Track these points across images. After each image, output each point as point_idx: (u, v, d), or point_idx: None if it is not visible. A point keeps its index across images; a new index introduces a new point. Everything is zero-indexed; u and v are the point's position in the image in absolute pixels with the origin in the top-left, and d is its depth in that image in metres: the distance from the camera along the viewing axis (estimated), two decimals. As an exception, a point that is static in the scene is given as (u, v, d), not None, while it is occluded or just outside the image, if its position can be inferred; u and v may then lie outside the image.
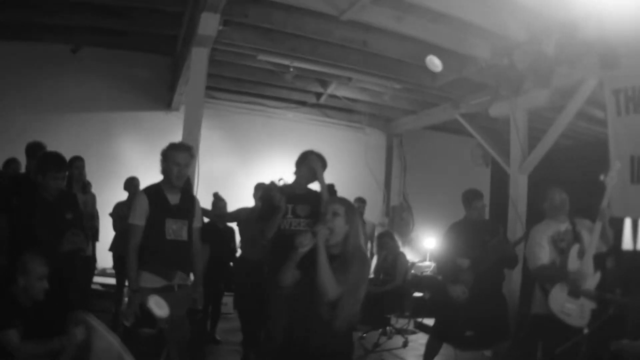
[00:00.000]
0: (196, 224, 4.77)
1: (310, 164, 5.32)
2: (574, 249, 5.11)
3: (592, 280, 5.06)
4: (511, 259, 6.10)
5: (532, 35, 6.48)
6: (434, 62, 6.90)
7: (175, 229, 4.53)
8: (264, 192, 5.73)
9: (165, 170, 4.58)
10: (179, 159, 4.53)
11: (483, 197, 6.30)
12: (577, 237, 5.22)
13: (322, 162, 5.41)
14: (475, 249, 5.80)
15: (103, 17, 8.01)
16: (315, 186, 5.45)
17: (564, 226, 5.31)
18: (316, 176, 5.34)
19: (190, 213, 4.69)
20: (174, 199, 4.60)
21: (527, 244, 5.44)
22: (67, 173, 5.08)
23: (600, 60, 6.30)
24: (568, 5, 5.72)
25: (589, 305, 4.97)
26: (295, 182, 5.41)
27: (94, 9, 7.80)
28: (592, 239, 5.09)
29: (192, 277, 4.84)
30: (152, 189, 4.61)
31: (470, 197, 6.22)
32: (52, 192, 4.86)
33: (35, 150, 6.05)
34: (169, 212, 4.53)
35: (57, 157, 4.96)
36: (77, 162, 6.75)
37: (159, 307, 3.97)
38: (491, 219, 6.63)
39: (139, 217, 4.45)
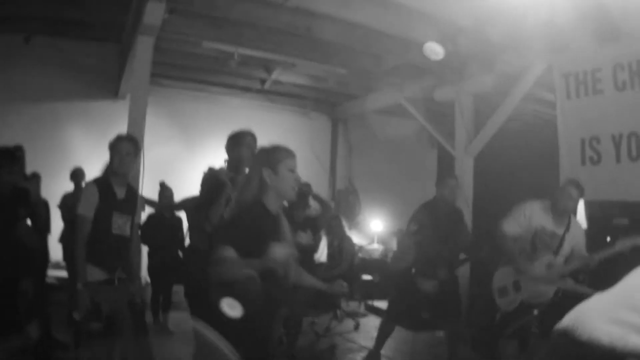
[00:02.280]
0: (137, 220, 4.86)
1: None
2: (546, 259, 5.03)
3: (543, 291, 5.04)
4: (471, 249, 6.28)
5: (476, 21, 6.55)
6: (434, 50, 6.82)
7: (120, 224, 4.56)
8: (203, 179, 5.46)
9: (109, 161, 4.61)
10: (119, 148, 4.58)
11: (457, 178, 6.40)
12: (559, 246, 5.10)
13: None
14: (448, 240, 5.87)
15: (55, 5, 7.94)
16: None
17: (559, 229, 5.15)
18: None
19: (133, 209, 4.73)
20: (120, 192, 4.63)
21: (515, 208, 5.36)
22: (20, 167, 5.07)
23: (549, 44, 6.40)
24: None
25: (521, 297, 5.05)
26: (231, 167, 4.90)
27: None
28: (569, 266, 5.00)
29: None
30: (102, 181, 4.61)
31: (442, 176, 6.33)
32: (5, 187, 4.82)
33: None
34: (116, 206, 4.55)
35: (8, 153, 4.93)
36: (18, 152, 6.64)
37: (232, 308, 3.93)
38: (457, 207, 6.62)
39: (88, 208, 4.42)
